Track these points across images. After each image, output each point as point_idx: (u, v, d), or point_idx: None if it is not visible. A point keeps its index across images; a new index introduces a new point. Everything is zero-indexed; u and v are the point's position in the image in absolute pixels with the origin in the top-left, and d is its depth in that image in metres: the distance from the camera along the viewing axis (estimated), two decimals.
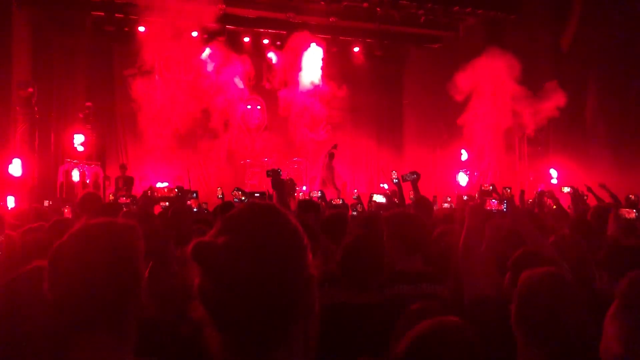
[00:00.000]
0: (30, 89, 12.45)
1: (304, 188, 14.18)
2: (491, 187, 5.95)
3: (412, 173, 5.61)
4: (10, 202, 9.90)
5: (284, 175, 16.01)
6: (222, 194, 7.98)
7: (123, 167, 13.68)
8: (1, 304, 1.82)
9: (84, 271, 1.47)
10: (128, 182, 13.24)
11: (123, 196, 6.58)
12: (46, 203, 9.29)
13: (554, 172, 12.52)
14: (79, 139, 13.07)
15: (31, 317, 1.76)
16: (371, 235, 3.16)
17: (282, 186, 4.82)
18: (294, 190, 14.96)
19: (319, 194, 7.37)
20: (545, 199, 6.72)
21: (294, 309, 1.19)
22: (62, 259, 1.50)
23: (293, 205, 6.48)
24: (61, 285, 1.48)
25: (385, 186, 14.67)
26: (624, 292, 1.58)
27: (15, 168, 11.07)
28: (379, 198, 5.84)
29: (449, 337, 1.54)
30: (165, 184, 14.30)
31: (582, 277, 3.02)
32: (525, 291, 1.98)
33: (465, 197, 7.60)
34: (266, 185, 14.69)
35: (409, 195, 6.22)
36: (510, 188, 6.98)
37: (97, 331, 1.49)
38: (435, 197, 10.39)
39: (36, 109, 12.75)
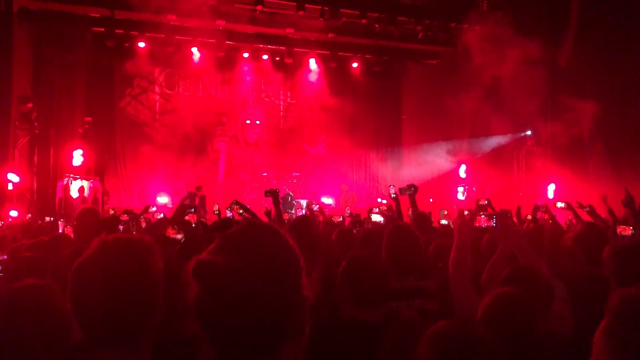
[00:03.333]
0: (30, 104, 12.51)
1: (303, 203, 14.17)
2: (487, 202, 5.95)
3: (410, 186, 5.58)
4: (14, 215, 9.94)
5: (283, 191, 16.09)
6: (219, 210, 8.00)
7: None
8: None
9: (105, 290, 1.48)
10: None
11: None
12: (47, 219, 9.30)
13: (551, 187, 12.53)
14: (78, 154, 13.09)
15: (25, 333, 1.78)
16: (371, 253, 3.16)
17: (279, 205, 5.01)
18: (292, 206, 14.99)
19: (317, 208, 7.38)
20: (540, 213, 6.73)
21: (287, 328, 1.21)
22: (84, 276, 1.51)
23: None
24: (83, 302, 1.50)
25: (384, 202, 14.69)
26: (613, 309, 1.59)
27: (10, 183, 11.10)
28: (376, 217, 5.84)
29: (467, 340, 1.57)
30: (164, 199, 14.34)
31: (581, 293, 3.03)
32: (488, 312, 2.02)
33: (466, 212, 7.59)
34: (265, 201, 14.73)
35: (407, 210, 6.22)
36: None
37: (117, 348, 1.50)
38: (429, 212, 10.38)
39: (36, 124, 12.80)
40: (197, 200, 13.35)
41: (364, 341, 2.51)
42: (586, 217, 6.48)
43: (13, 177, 11.21)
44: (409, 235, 3.25)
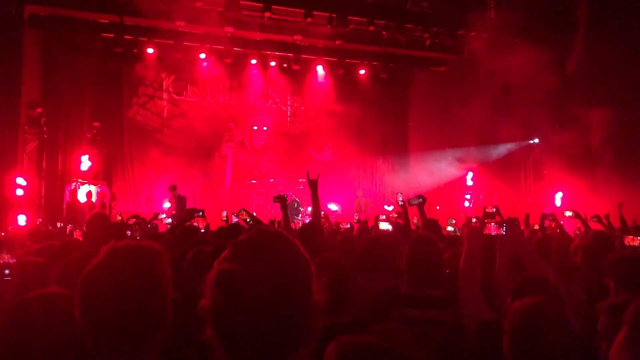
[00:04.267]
0: (39, 109, 12.58)
1: (309, 209, 14.16)
2: (494, 209, 5.96)
3: (418, 197, 5.68)
4: (22, 220, 9.96)
5: (290, 197, 16.02)
6: (227, 217, 8.01)
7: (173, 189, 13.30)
8: (8, 329, 1.84)
9: (115, 297, 1.48)
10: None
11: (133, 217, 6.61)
12: (59, 225, 9.32)
13: (559, 195, 12.49)
14: (85, 159, 13.16)
15: (38, 342, 1.78)
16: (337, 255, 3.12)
17: (287, 211, 5.10)
18: (299, 212, 15.00)
19: (322, 214, 7.38)
20: (547, 222, 6.70)
21: (301, 332, 1.25)
22: (94, 283, 1.51)
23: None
24: (92, 309, 1.50)
25: (390, 208, 14.67)
26: (632, 320, 1.58)
27: (18, 188, 11.15)
28: (384, 225, 5.88)
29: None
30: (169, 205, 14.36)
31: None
32: (517, 322, 1.99)
33: (473, 220, 7.58)
34: (272, 207, 14.74)
35: (413, 218, 6.23)
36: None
37: (125, 355, 1.50)
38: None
39: (45, 128, 12.86)
40: (173, 203, 12.55)
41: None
42: (594, 226, 6.45)
43: (21, 181, 11.27)
44: (432, 248, 3.19)
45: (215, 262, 1.30)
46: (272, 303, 1.20)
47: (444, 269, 3.41)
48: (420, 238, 3.26)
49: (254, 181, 16.38)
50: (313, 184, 5.17)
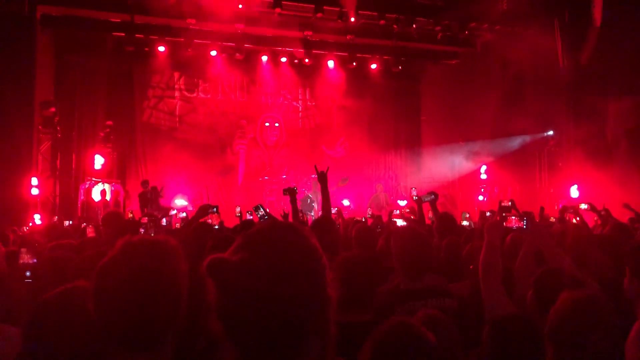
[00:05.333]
0: (53, 109, 12.68)
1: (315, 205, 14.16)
2: (510, 203, 5.92)
3: (430, 194, 5.74)
4: (38, 219, 10.05)
5: (302, 193, 15.99)
6: (240, 213, 8.04)
7: (145, 184, 13.41)
8: (39, 323, 1.84)
9: (129, 291, 1.47)
10: (154, 196, 12.97)
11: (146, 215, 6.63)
12: (66, 223, 9.37)
13: (574, 188, 12.37)
14: (99, 157, 13.24)
15: (67, 336, 1.78)
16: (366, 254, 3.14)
17: (296, 204, 5.17)
18: (312, 208, 15.00)
19: (335, 210, 7.39)
20: (567, 214, 6.65)
21: (308, 326, 1.20)
22: (108, 278, 1.50)
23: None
24: (106, 304, 1.48)
25: (404, 202, 14.62)
26: None
27: (33, 188, 11.27)
28: (400, 222, 5.90)
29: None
30: (184, 202, 14.44)
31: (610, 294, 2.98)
32: (566, 312, 1.96)
33: (488, 213, 7.53)
34: (284, 203, 14.74)
35: (428, 214, 6.20)
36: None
37: (139, 351, 1.49)
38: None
39: (58, 128, 12.96)
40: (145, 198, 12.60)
41: (351, 343, 2.47)
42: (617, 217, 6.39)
43: (34, 181, 11.37)
44: (414, 237, 3.22)
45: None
46: (268, 294, 1.16)
47: (434, 258, 3.43)
48: (404, 232, 3.27)
49: (266, 177, 16.40)
50: (322, 177, 5.16)
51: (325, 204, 5.02)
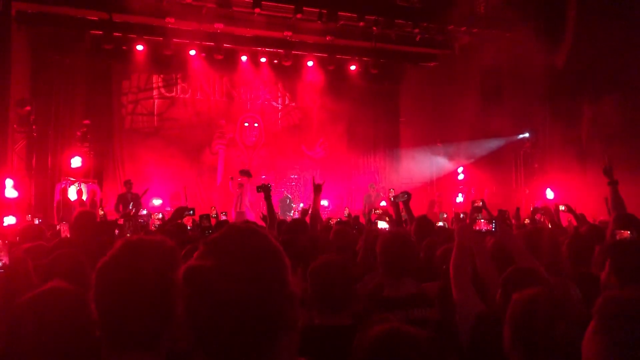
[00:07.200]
0: (28, 107, 12.50)
1: (301, 205, 14.15)
2: (481, 203, 6.00)
3: (404, 194, 5.73)
4: (10, 221, 9.87)
5: (281, 194, 15.93)
6: (216, 213, 8.03)
7: (128, 184, 13.11)
8: (18, 325, 1.84)
9: (129, 291, 1.49)
10: (135, 199, 12.64)
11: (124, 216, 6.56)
12: (36, 221, 9.21)
13: (549, 190, 12.54)
14: (77, 157, 13.08)
15: (47, 338, 1.78)
16: (341, 258, 3.15)
17: (271, 200, 5.36)
18: (291, 208, 14.99)
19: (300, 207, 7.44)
20: (538, 216, 6.74)
21: (277, 324, 1.25)
22: (108, 278, 1.52)
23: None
24: (107, 304, 1.51)
25: (383, 203, 14.69)
26: (600, 310, 1.59)
27: (9, 190, 11.06)
28: (382, 224, 5.93)
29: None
30: (160, 201, 14.33)
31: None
32: (519, 314, 1.99)
33: (461, 215, 7.60)
34: (264, 204, 14.69)
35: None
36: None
37: (136, 351, 1.50)
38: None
39: (34, 127, 12.78)
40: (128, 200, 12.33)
41: (332, 347, 2.49)
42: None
43: (11, 193, 11.14)
44: (401, 241, 3.24)
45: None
46: (242, 296, 1.21)
47: (419, 263, 3.45)
48: (391, 236, 3.30)
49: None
50: (318, 189, 5.30)
51: (315, 212, 5.19)
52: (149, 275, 1.51)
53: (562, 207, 6.99)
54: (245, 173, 13.86)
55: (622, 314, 1.52)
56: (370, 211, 8.29)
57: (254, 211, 13.66)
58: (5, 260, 2.71)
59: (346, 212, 9.93)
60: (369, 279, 3.86)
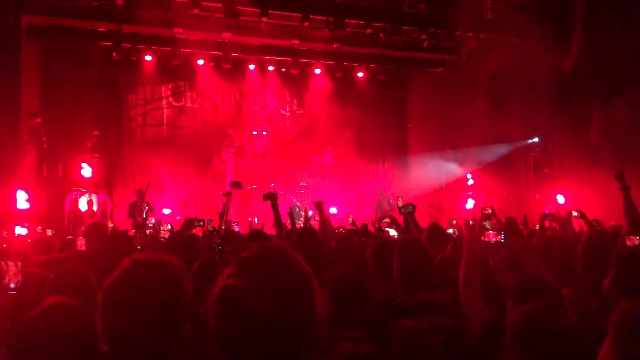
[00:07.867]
0: (39, 119, 12.60)
1: (310, 213, 14.13)
2: (491, 210, 5.98)
3: (408, 205, 5.78)
4: (22, 231, 9.90)
5: (290, 202, 15.86)
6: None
7: (140, 193, 12.95)
8: (26, 340, 1.85)
9: (136, 309, 1.50)
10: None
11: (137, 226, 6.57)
12: (49, 232, 9.26)
13: (560, 195, 12.45)
14: (87, 167, 13.15)
15: (54, 353, 1.79)
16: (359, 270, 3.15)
17: (278, 209, 5.34)
18: (300, 216, 14.95)
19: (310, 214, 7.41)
20: (547, 223, 6.68)
21: (305, 344, 1.31)
22: (114, 297, 1.53)
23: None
24: (113, 323, 1.52)
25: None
26: (617, 326, 1.58)
27: (21, 202, 11.10)
28: (392, 232, 5.93)
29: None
30: (169, 211, 14.35)
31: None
32: (518, 329, 1.99)
33: (471, 222, 7.54)
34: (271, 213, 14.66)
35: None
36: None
37: None
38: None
39: (44, 138, 12.87)
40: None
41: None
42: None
43: (23, 205, 11.16)
44: (420, 249, 3.22)
45: (220, 278, 1.36)
46: (275, 316, 1.26)
47: (435, 270, 3.43)
48: (409, 242, 3.28)
49: (254, 186, 16.35)
50: (320, 207, 5.31)
51: (323, 229, 5.20)
52: (155, 296, 1.52)
53: (575, 213, 6.93)
54: (236, 185, 13.85)
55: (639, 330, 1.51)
56: (380, 219, 8.26)
57: (240, 220, 13.60)
58: (19, 281, 2.72)
59: (350, 219, 9.86)
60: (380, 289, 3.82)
